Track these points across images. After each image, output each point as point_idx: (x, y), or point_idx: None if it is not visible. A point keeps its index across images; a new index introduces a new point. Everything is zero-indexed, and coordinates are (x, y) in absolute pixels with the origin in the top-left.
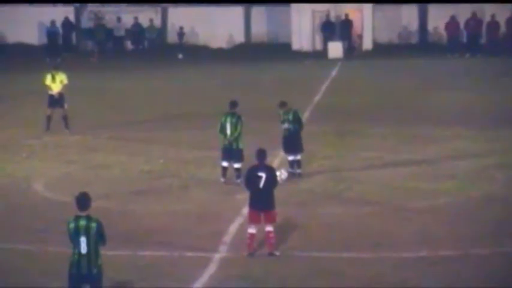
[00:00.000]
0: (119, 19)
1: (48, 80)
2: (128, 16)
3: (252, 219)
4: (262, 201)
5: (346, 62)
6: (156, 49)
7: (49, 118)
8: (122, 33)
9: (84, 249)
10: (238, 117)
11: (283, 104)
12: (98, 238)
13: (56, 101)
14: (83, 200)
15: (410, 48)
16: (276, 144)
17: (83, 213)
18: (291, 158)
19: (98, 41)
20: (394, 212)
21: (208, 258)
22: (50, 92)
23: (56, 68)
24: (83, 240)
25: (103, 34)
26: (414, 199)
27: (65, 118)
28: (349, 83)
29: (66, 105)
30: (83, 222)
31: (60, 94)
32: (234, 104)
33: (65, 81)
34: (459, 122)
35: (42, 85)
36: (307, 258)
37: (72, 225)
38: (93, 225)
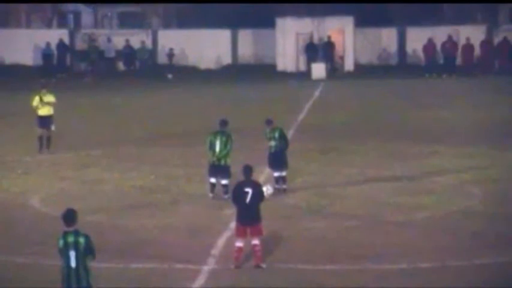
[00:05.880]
0: (109, 39)
1: (36, 101)
2: (119, 39)
3: (239, 233)
4: (248, 215)
5: (329, 82)
6: (146, 69)
7: (40, 139)
8: (113, 54)
9: (73, 262)
10: (229, 136)
11: (269, 122)
12: (87, 252)
13: (44, 122)
14: (68, 216)
15: (389, 69)
16: (262, 160)
17: (70, 229)
18: (276, 174)
19: (91, 62)
20: (375, 226)
21: (197, 270)
22: (39, 114)
23: (44, 88)
24: (72, 254)
25: (96, 55)
26: (394, 213)
27: (48, 139)
28: (331, 102)
29: (52, 127)
30: (71, 238)
31: (49, 115)
32: (224, 123)
33: (53, 100)
34: (437, 140)
35: (30, 106)
36: (292, 270)
37: (61, 241)
38: (82, 240)
